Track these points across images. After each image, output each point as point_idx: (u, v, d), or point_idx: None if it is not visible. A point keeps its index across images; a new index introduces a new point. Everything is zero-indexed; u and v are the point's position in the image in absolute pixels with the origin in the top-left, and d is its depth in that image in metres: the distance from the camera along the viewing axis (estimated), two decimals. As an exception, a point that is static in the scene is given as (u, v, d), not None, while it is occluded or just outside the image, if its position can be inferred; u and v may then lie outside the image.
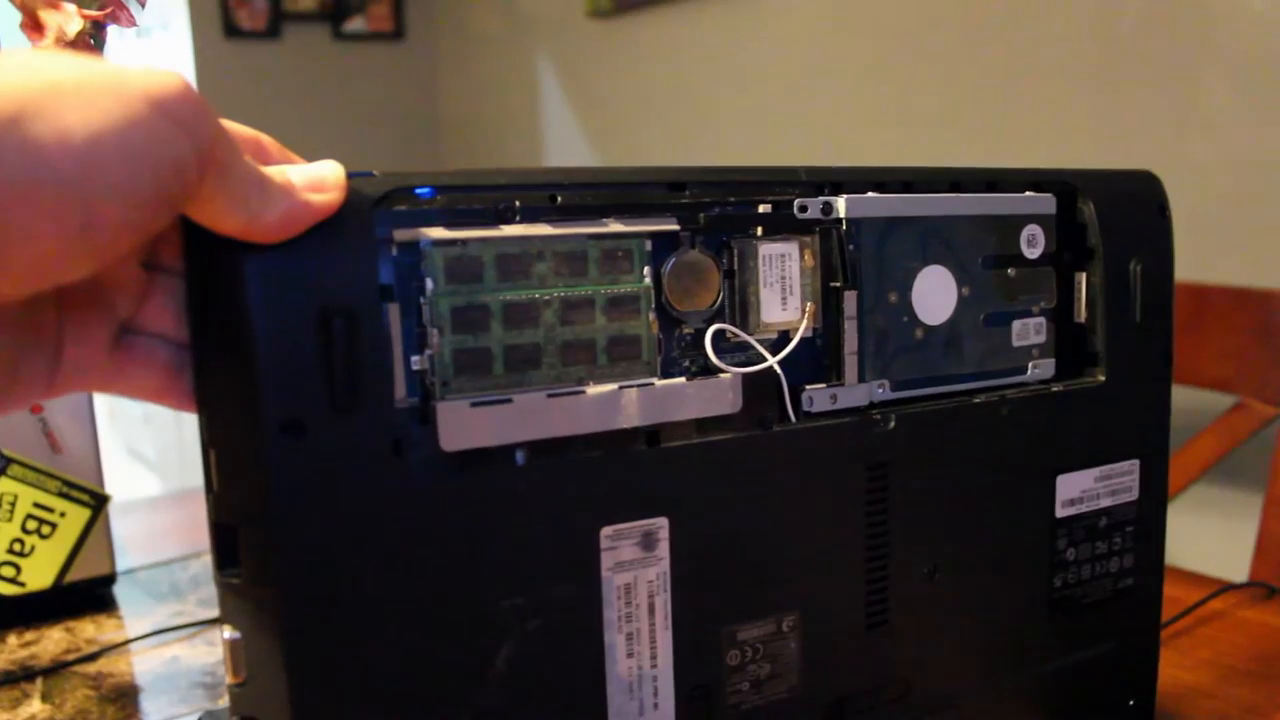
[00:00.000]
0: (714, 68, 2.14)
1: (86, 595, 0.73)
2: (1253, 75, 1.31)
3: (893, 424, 0.42)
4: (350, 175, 0.32)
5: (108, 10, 0.47)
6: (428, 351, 0.33)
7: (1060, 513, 0.47)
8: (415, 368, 0.33)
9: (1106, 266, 0.47)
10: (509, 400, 0.34)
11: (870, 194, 0.42)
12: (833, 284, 0.41)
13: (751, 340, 0.39)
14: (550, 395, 0.35)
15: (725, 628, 0.39)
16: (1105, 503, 0.49)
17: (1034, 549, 0.47)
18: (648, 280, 0.37)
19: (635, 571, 0.37)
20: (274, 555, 0.31)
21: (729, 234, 0.39)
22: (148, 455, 3.21)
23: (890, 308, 0.42)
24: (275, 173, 0.30)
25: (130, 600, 0.75)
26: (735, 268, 0.39)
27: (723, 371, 0.39)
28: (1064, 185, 0.47)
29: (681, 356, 0.39)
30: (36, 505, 0.69)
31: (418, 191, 0.33)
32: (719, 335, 0.39)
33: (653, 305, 0.37)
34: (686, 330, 0.39)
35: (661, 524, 0.37)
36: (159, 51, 2.83)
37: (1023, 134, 1.55)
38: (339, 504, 0.31)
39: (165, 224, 0.27)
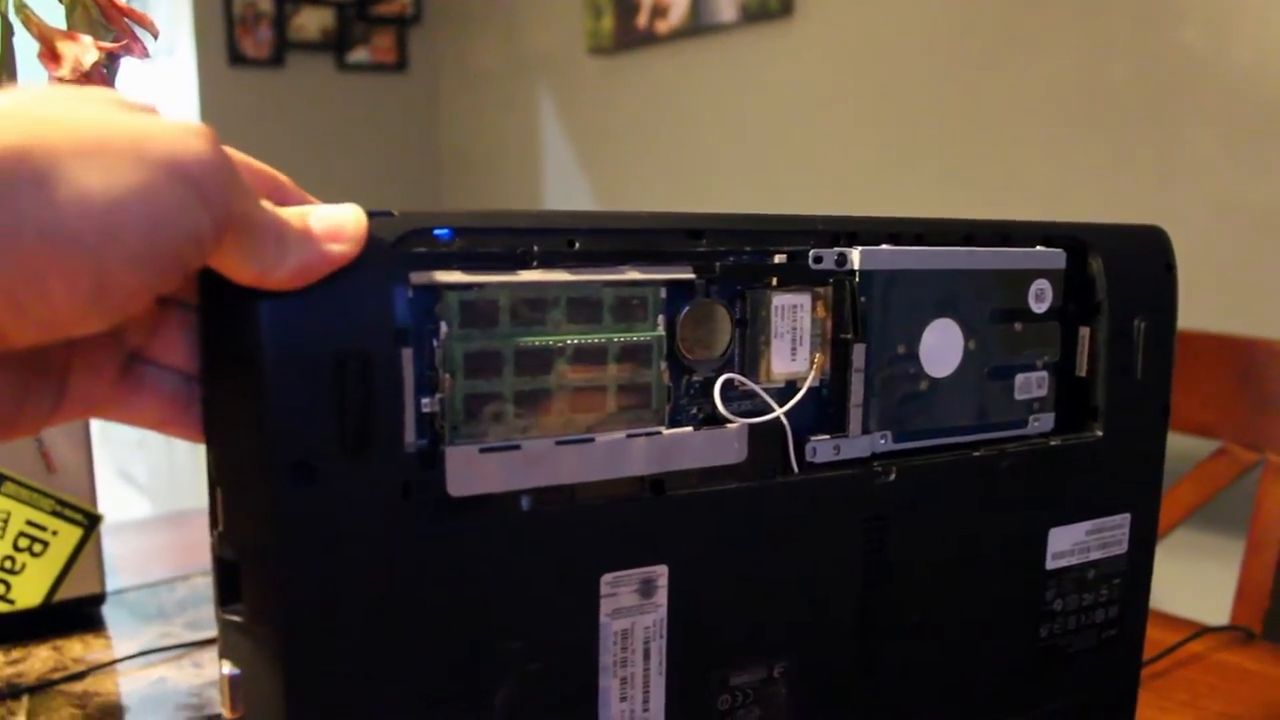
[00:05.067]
0: (713, 107, 2.15)
1: (75, 614, 0.73)
2: (1240, 126, 1.32)
3: (893, 475, 0.42)
4: (369, 214, 0.31)
5: (122, 42, 0.48)
6: (439, 395, 0.33)
7: (1050, 565, 0.47)
8: (425, 410, 0.33)
9: (1111, 322, 0.47)
10: (517, 447, 0.34)
11: (885, 247, 0.42)
12: (843, 335, 0.41)
13: (760, 390, 0.39)
14: (559, 443, 0.35)
15: (717, 673, 0.39)
16: (1095, 555, 0.49)
17: (1023, 599, 0.47)
18: (661, 329, 0.37)
19: (633, 618, 0.37)
20: (278, 594, 0.31)
21: (744, 284, 0.39)
22: (139, 478, 3.20)
23: (898, 359, 0.42)
24: (295, 216, 0.30)
25: (118, 621, 0.75)
26: (748, 317, 0.39)
27: (729, 421, 0.39)
28: (1074, 240, 0.47)
29: (689, 404, 0.39)
30: (29, 523, 0.69)
31: (436, 234, 0.33)
32: (727, 384, 0.39)
33: (664, 354, 0.37)
34: (696, 378, 0.39)
35: (661, 571, 0.37)
36: (165, 76, 2.84)
37: (1019, 179, 1.56)
38: (345, 546, 0.31)
39: (179, 284, 0.27)
